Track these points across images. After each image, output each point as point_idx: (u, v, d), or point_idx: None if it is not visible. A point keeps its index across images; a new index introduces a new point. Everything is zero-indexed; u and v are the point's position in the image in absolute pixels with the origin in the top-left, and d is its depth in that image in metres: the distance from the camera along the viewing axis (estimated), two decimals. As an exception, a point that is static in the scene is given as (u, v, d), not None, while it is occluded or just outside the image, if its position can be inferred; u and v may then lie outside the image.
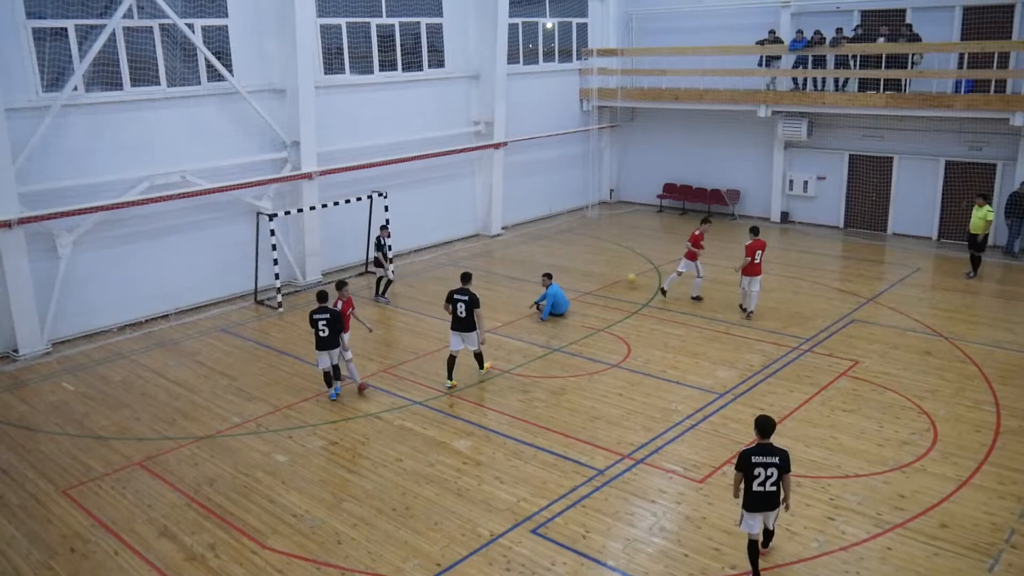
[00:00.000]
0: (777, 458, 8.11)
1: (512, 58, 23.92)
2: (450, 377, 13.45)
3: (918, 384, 13.03)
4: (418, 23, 21.62)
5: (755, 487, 8.13)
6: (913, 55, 20.83)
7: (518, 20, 24.34)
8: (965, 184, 21.17)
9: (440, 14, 22.09)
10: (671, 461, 10.92)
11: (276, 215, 17.72)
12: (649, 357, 14.51)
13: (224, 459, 11.37)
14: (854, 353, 14.35)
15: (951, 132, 21.26)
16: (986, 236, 18.47)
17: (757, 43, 23.29)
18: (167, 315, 17.47)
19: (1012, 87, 19.90)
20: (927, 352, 14.35)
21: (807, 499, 9.89)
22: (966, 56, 20.29)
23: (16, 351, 15.35)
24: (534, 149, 25.45)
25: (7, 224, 14.52)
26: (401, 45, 21.26)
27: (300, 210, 18.57)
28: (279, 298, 17.79)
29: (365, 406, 12.89)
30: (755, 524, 8.29)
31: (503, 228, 24.57)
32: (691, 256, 17.15)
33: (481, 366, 13.92)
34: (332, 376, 13.13)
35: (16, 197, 14.63)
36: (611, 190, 28.62)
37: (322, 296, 12.98)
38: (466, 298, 13.14)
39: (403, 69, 21.45)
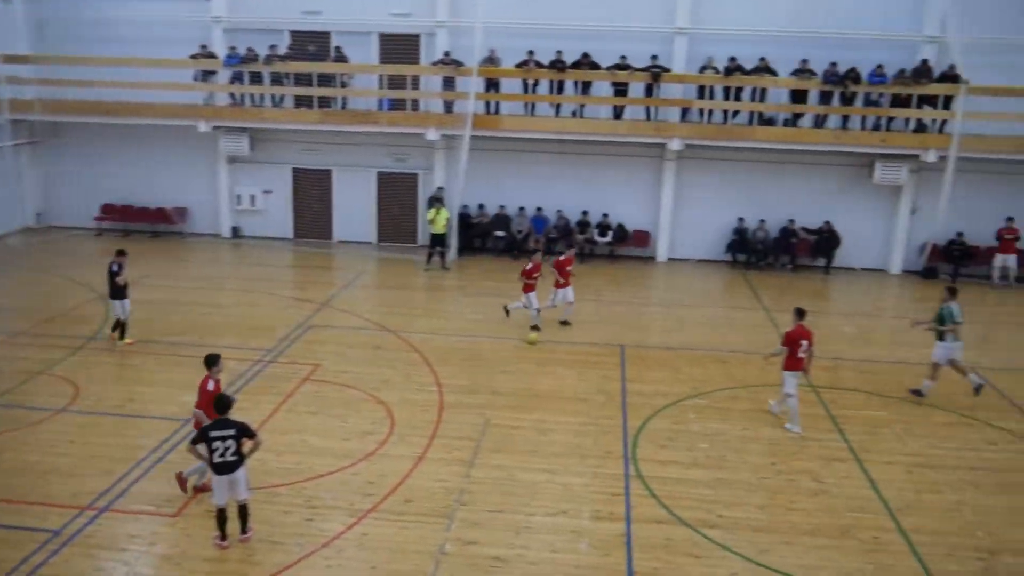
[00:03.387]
0: (234, 430, 9.03)
1: None
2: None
3: (373, 377, 14.11)
4: None
5: (216, 459, 8.98)
6: (342, 75, 22.50)
7: None
8: (394, 192, 23.73)
9: None
10: (140, 501, 10.09)
11: None
12: (102, 394, 13.17)
13: None
14: (315, 357, 14.95)
15: (380, 146, 23.49)
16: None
17: (191, 57, 22.72)
18: None
19: (424, 106, 22.73)
20: (377, 347, 15.63)
21: (284, 507, 10.00)
22: (386, 77, 22.63)
23: None
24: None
25: None
26: None
27: None
28: None
29: None
30: (222, 493, 9.10)
31: None
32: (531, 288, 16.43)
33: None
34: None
35: None
36: (38, 214, 25.26)
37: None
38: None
39: None
